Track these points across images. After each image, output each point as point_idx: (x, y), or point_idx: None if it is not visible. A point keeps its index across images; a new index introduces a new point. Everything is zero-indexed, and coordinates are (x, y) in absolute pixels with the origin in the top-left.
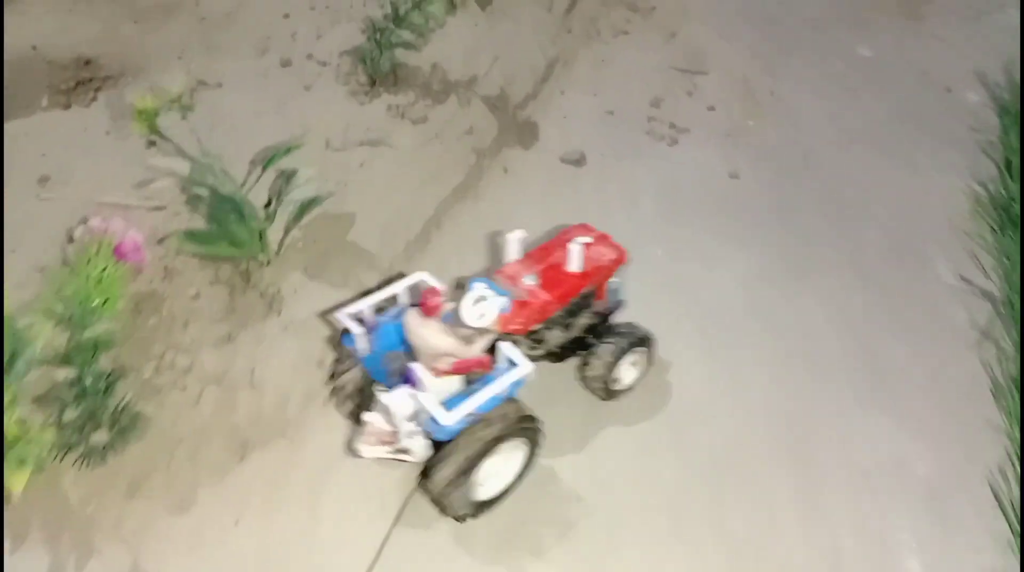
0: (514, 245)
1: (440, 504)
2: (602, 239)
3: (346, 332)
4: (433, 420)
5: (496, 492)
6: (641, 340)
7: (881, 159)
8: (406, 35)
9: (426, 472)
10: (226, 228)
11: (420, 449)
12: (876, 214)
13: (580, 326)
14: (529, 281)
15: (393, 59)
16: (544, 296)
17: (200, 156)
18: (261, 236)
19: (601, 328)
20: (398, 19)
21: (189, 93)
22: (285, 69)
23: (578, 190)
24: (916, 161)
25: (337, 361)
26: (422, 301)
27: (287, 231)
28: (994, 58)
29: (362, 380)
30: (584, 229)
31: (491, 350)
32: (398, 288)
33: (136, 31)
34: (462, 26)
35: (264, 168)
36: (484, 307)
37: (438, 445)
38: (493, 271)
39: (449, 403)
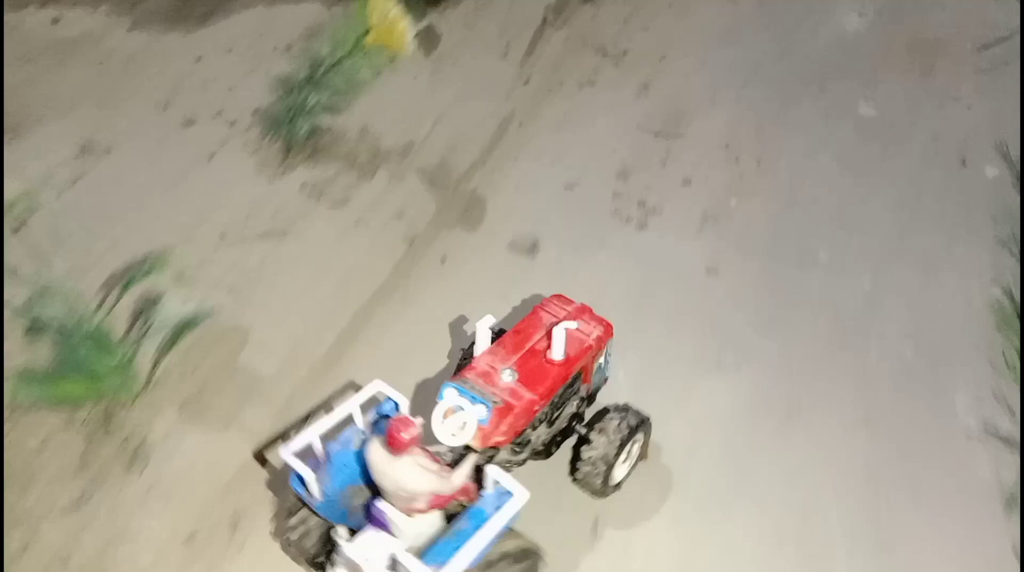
0: (484, 334)
1: None
2: (582, 312)
3: (294, 474)
4: None
5: None
6: (641, 423)
7: (888, 255)
8: (326, 97)
9: None
10: (77, 363)
11: None
12: (883, 328)
13: (566, 416)
14: (508, 377)
15: (312, 123)
16: (528, 395)
17: (44, 274)
18: (123, 369)
19: (584, 412)
20: (313, 81)
21: (27, 198)
22: (188, 130)
23: (529, 286)
24: (929, 258)
25: (288, 511)
26: (391, 435)
27: (157, 361)
28: (1013, 120)
29: (322, 525)
30: (560, 301)
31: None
32: (351, 407)
33: (25, 77)
34: (400, 79)
35: (124, 289)
36: (459, 420)
37: None
38: (460, 370)
39: (436, 551)
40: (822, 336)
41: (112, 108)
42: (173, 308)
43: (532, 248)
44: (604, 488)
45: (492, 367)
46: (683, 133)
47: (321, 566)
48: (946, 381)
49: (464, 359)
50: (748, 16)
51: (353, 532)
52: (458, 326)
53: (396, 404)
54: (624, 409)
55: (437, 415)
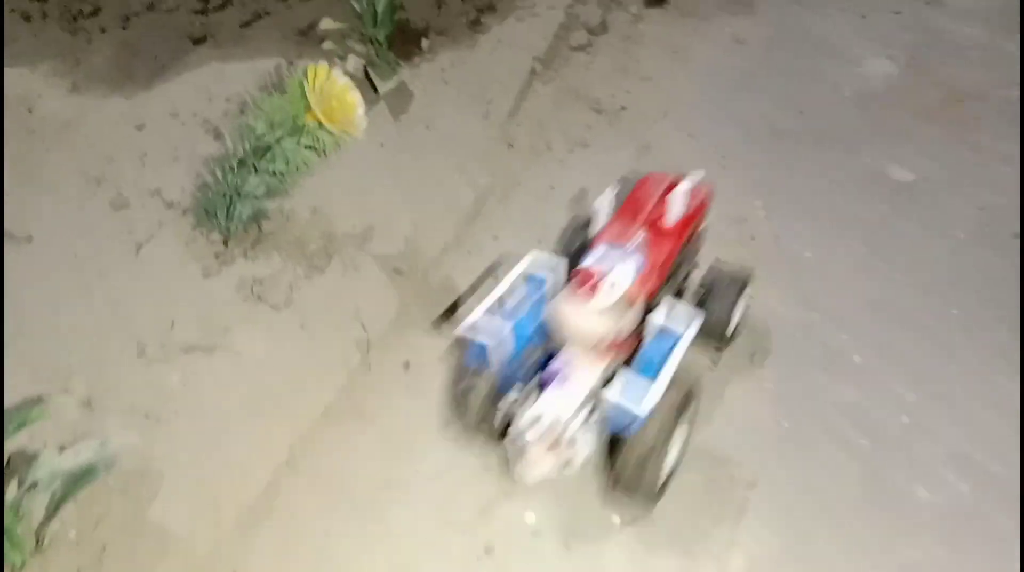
0: (605, 207)
1: (634, 487)
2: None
3: (469, 348)
4: (622, 412)
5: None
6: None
7: (934, 356)
8: (271, 175)
9: (618, 458)
10: None
11: (584, 452)
12: (931, 455)
13: (679, 278)
14: (635, 239)
15: (256, 205)
16: (663, 251)
17: None
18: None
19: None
20: (242, 163)
21: None
22: (118, 213)
23: None
24: (984, 359)
25: (463, 390)
26: (579, 283)
27: (46, 520)
28: None
29: (488, 398)
30: (660, 178)
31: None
32: (512, 277)
33: None
34: (363, 148)
35: (14, 430)
36: (615, 275)
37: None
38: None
39: (627, 389)
40: (854, 477)
41: (38, 186)
42: (67, 454)
43: None
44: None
45: (622, 233)
46: None
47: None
48: (1011, 527)
49: (574, 238)
50: (760, 63)
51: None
52: (411, 472)
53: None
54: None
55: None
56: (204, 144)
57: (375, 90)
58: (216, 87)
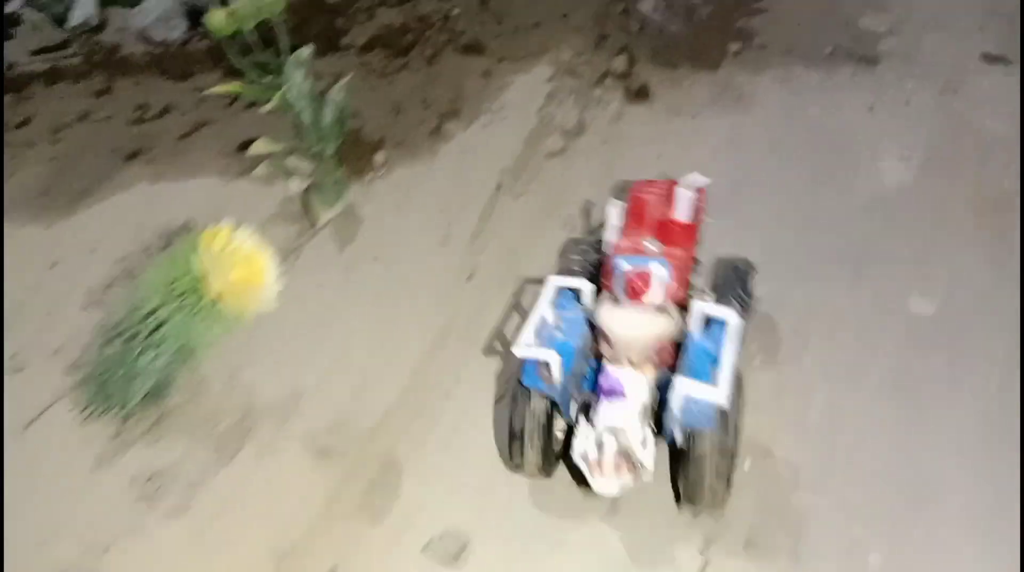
0: (615, 214)
1: (718, 491)
2: (673, 185)
3: (529, 368)
4: (699, 406)
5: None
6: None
7: (975, 557)
8: (181, 336)
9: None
10: None
11: (652, 459)
12: None
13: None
14: (652, 245)
15: (157, 377)
16: (679, 253)
17: None
18: None
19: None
20: (134, 336)
21: None
22: (15, 377)
23: None
24: None
25: (519, 431)
26: (632, 286)
27: None
28: None
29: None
30: (654, 184)
31: None
32: (547, 299)
33: None
34: (295, 291)
35: None
36: (659, 275)
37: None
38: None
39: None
40: None
41: None
42: None
43: (459, 554)
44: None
45: (635, 241)
46: None
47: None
48: None
49: (581, 252)
50: (757, 168)
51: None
52: None
53: (575, 292)
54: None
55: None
56: (120, 288)
57: (312, 223)
58: (143, 214)
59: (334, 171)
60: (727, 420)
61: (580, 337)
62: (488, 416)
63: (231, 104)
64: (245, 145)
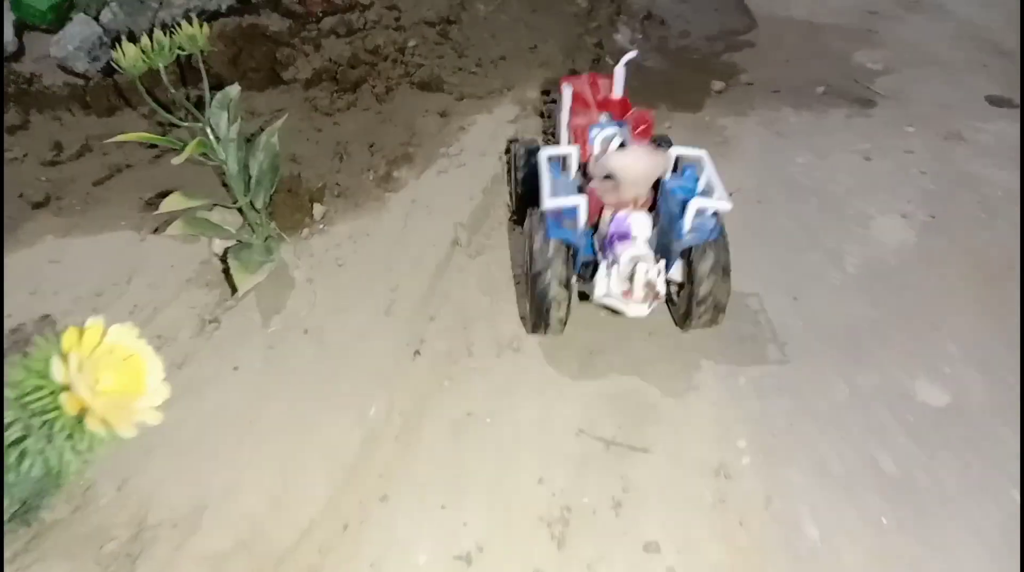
0: (568, 95)
1: (722, 296)
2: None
3: (555, 219)
4: (706, 218)
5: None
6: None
7: None
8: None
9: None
10: None
11: (664, 285)
12: None
13: None
14: (605, 118)
15: (32, 489)
16: (633, 122)
17: None
18: None
19: None
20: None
21: None
22: None
23: None
24: None
25: (547, 293)
26: (638, 126)
27: None
28: None
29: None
30: (585, 77)
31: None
32: (546, 170)
33: None
34: (203, 379)
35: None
36: (617, 141)
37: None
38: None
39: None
40: None
41: None
42: None
43: None
44: None
45: (589, 117)
46: (650, 445)
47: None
48: None
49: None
50: (740, 224)
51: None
52: None
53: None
54: None
55: (608, 144)
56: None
57: (233, 290)
58: (42, 277)
59: (264, 227)
60: (725, 237)
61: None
62: (434, 522)
63: (154, 145)
64: (165, 194)
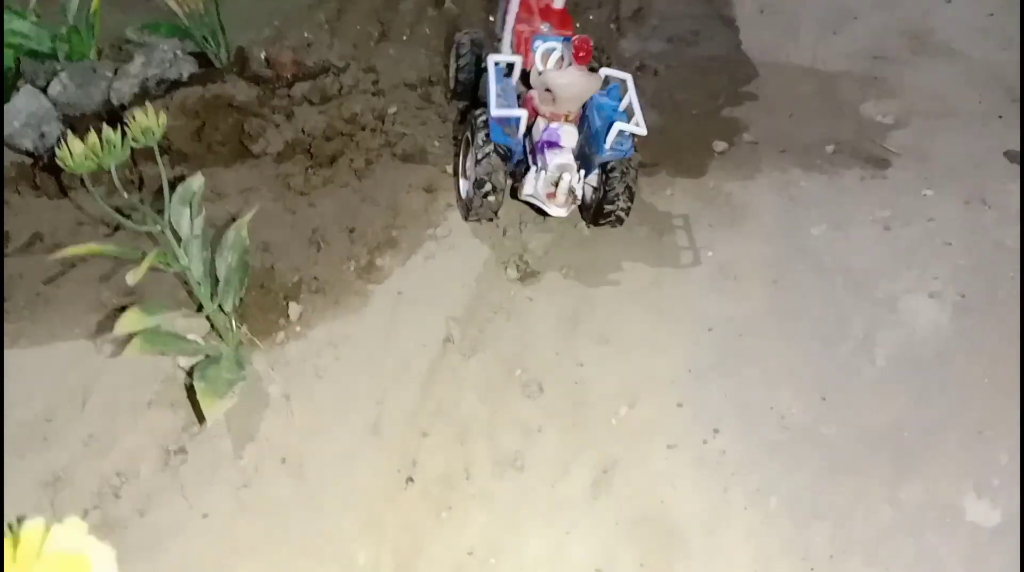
0: (514, 8)
1: (626, 205)
2: None
3: (499, 125)
4: (625, 139)
5: None
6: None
7: None
8: None
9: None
10: None
11: (581, 191)
12: None
13: None
14: (546, 27)
15: None
16: (567, 32)
17: None
18: None
19: None
20: None
21: None
22: None
23: None
24: None
25: (486, 180)
26: (580, 51)
27: None
28: None
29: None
30: None
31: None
32: (493, 76)
33: None
34: (173, 522)
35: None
36: (554, 55)
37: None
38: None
39: (607, 128)
40: None
41: None
42: None
43: None
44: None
45: (533, 25)
46: None
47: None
48: None
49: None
50: (757, 309)
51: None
52: None
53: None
54: None
55: (547, 58)
56: None
57: (200, 418)
58: None
59: (233, 333)
60: (636, 155)
61: (515, 100)
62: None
63: (113, 233)
64: (129, 291)
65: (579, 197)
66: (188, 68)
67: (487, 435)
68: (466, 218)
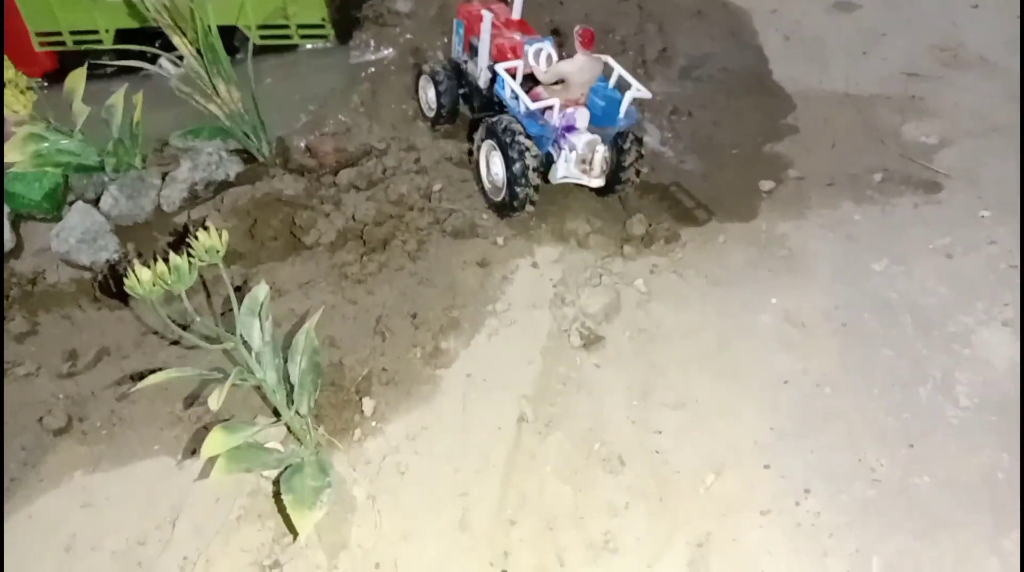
0: (489, 20)
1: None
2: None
3: (531, 124)
4: (631, 111)
5: None
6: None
7: None
8: None
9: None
10: None
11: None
12: None
13: None
14: (519, 35)
15: None
16: (535, 33)
17: None
18: None
19: None
20: None
21: None
22: None
23: None
24: None
25: (523, 173)
26: (585, 38)
27: None
28: None
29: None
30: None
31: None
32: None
33: None
34: None
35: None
36: (543, 54)
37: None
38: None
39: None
40: None
41: None
42: None
43: None
44: None
45: (509, 37)
46: None
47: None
48: None
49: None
50: (826, 360)
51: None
52: None
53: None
54: None
55: (538, 58)
56: None
57: (292, 531)
58: (75, 526)
59: (310, 437)
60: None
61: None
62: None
63: (178, 341)
64: (193, 400)
65: (606, 167)
66: (234, 167)
67: (575, 518)
68: (503, 216)
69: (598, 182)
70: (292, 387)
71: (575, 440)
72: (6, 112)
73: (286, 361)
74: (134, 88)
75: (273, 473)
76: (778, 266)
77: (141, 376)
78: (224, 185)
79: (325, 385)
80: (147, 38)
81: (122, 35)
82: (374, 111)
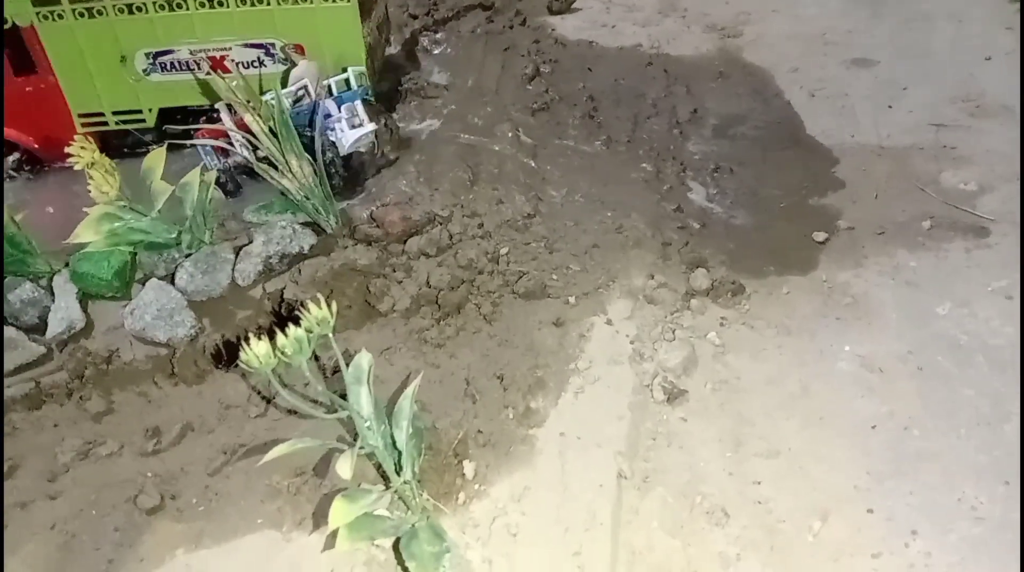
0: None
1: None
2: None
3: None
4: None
5: None
6: None
7: None
8: None
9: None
10: None
11: None
12: None
13: None
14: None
15: None
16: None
17: None
18: None
19: None
20: None
21: None
22: None
23: None
24: None
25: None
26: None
27: None
28: None
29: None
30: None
31: None
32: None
33: None
34: None
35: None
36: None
37: None
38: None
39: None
40: None
41: None
42: None
43: None
44: None
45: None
46: None
47: None
48: None
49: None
50: (909, 406)
51: None
52: None
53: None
54: None
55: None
56: None
57: None
58: None
59: (417, 502)
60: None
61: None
62: None
63: (264, 413)
64: (313, 472)
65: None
66: (308, 240)
67: (683, 567)
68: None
69: (372, 125)
70: (400, 453)
71: (676, 494)
72: (93, 193)
73: (391, 427)
74: (171, 162)
75: (386, 541)
76: (845, 314)
77: (234, 452)
78: (298, 257)
79: (424, 449)
80: (186, 116)
81: (163, 114)
82: (433, 179)
